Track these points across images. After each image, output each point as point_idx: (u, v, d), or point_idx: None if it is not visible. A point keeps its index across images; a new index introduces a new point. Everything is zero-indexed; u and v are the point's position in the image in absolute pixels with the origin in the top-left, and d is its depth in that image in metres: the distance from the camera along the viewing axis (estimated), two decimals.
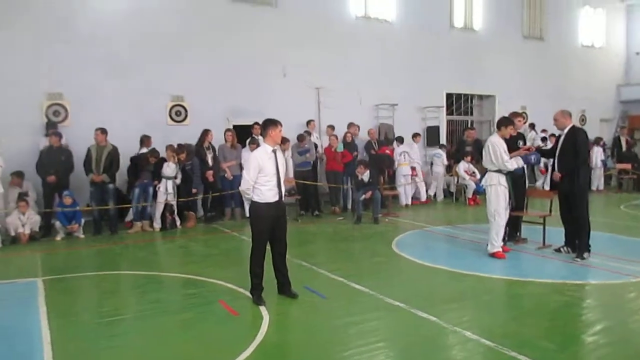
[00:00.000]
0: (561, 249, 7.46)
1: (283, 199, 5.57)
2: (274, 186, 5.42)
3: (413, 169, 13.05)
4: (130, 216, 10.08)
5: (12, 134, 9.99)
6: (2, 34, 10.13)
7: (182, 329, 4.86)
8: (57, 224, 9.21)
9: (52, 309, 5.36)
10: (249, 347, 4.26)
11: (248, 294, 5.58)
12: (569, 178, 7.11)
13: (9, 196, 9.41)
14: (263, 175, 5.38)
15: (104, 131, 9.45)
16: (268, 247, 5.58)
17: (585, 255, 7.05)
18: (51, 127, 10.17)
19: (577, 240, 7.18)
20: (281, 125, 5.57)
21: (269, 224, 5.44)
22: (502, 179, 7.22)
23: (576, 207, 7.11)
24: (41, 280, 6.49)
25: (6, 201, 9.35)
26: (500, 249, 7.28)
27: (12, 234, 8.86)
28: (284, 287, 5.66)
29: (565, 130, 7.22)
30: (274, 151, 5.49)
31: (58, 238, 9.15)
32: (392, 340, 4.50)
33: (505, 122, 7.39)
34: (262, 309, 5.23)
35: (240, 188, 5.56)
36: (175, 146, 10.19)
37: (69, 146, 9.96)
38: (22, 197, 9.26)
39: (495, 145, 7.19)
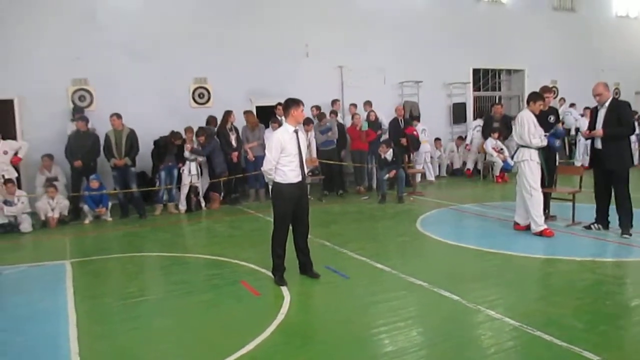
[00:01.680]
0: (592, 226, 7.24)
1: (305, 179, 5.52)
2: (296, 166, 5.37)
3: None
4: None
5: (40, 120, 10.19)
6: (28, 22, 10.27)
7: (205, 309, 4.89)
8: (85, 207, 9.38)
9: (79, 291, 5.47)
10: (270, 327, 4.26)
11: (270, 274, 5.58)
12: (615, 152, 6.80)
13: (36, 180, 9.61)
14: (285, 156, 5.32)
15: (119, 116, 9.52)
16: (290, 228, 5.56)
17: (632, 231, 6.81)
18: (77, 112, 10.31)
19: (622, 217, 6.87)
20: (303, 104, 5.51)
21: (291, 205, 5.40)
22: (534, 154, 7.04)
23: (620, 183, 6.82)
24: (69, 263, 6.62)
25: (33, 186, 9.55)
26: (546, 226, 7.06)
27: (42, 218, 9.05)
28: (306, 268, 5.64)
29: (607, 104, 6.84)
30: (296, 131, 5.42)
31: (86, 221, 9.32)
32: (414, 320, 4.43)
33: (534, 97, 7.21)
34: (284, 289, 5.22)
35: (262, 168, 5.52)
36: (195, 129, 10.20)
37: (95, 130, 10.07)
38: (51, 182, 9.46)
39: (524, 120, 7.03)
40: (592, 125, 7.06)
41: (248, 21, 12.07)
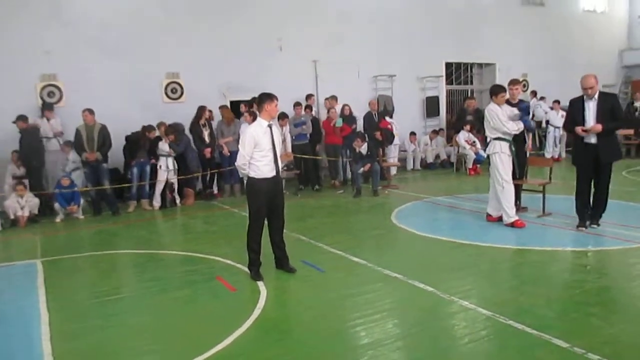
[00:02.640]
0: (586, 226, 6.94)
1: (280, 174, 5.51)
2: (270, 161, 5.36)
3: None
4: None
5: (8, 117, 9.93)
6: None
7: (180, 305, 4.86)
8: (56, 205, 9.21)
9: (51, 290, 5.38)
10: (246, 322, 4.27)
11: (246, 269, 5.58)
12: (610, 145, 6.66)
13: (5, 178, 9.40)
14: (259, 151, 5.31)
15: (91, 111, 9.32)
16: (266, 223, 5.56)
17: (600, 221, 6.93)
18: (47, 108, 10.11)
19: (599, 209, 6.88)
20: (277, 99, 5.49)
21: (266, 200, 5.39)
22: (505, 147, 7.17)
23: (608, 175, 6.73)
24: (40, 262, 6.50)
25: (2, 183, 9.35)
26: (517, 217, 7.19)
27: (11, 217, 8.85)
28: (282, 262, 5.65)
29: (596, 96, 6.69)
30: (270, 126, 5.41)
31: (58, 220, 9.15)
32: (390, 312, 4.48)
33: (495, 89, 7.38)
34: (260, 284, 5.23)
35: (236, 164, 5.51)
36: (167, 124, 10.11)
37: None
38: (20, 180, 9.26)
39: (492, 112, 7.17)
40: (579, 120, 6.71)
41: (221, 15, 11.95)
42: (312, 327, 4.25)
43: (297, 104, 11.51)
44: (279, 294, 5.11)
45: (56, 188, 9.30)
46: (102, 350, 3.99)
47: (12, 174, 9.47)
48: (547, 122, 14.91)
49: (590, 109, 6.70)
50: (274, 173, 5.40)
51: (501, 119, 7.11)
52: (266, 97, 5.42)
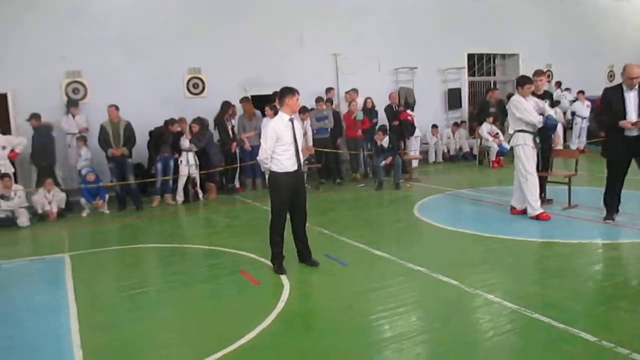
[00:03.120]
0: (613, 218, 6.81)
1: (302, 167, 5.52)
2: (292, 155, 5.37)
3: None
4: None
5: (34, 109, 10.10)
6: (21, 15, 10.17)
7: (204, 299, 4.92)
8: (82, 200, 9.37)
9: (79, 283, 5.48)
10: (270, 315, 4.29)
11: (269, 263, 5.61)
12: None
13: (32, 175, 9.58)
14: (281, 145, 5.32)
15: (117, 107, 9.47)
16: (288, 217, 5.58)
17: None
18: (72, 105, 10.27)
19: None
20: (298, 93, 5.49)
21: (288, 193, 5.41)
22: (529, 139, 7.06)
23: None
24: (68, 256, 6.62)
25: (30, 180, 9.54)
26: (542, 210, 7.10)
27: (39, 211, 9.04)
28: (305, 256, 5.66)
29: (637, 86, 6.38)
30: (291, 120, 5.42)
31: (84, 214, 9.32)
32: (413, 305, 4.47)
33: (522, 80, 7.19)
34: (283, 277, 5.25)
35: (258, 158, 5.53)
36: (189, 120, 10.21)
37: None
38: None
39: (517, 103, 7.05)
40: (619, 111, 6.36)
41: (242, 10, 11.98)
42: (336, 320, 4.26)
43: (319, 99, 11.49)
44: (302, 288, 5.13)
45: (81, 183, 9.45)
46: (129, 342, 4.06)
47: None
48: (573, 113, 14.64)
49: (631, 99, 6.37)
50: (295, 167, 5.41)
51: (528, 109, 7.00)
52: (287, 92, 5.42)
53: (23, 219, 8.74)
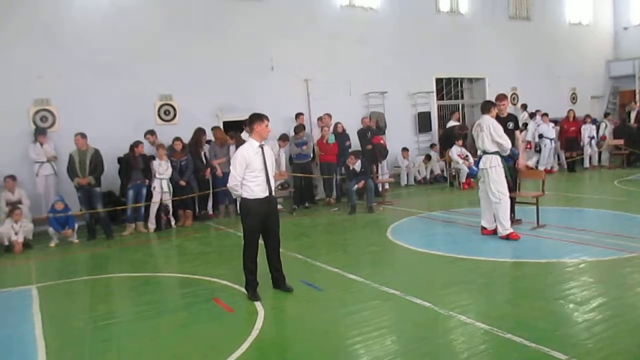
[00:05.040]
0: None
1: (273, 193, 5.52)
2: (262, 182, 5.38)
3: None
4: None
5: (1, 142, 9.94)
6: None
7: (177, 328, 4.84)
8: (50, 230, 9.16)
9: (47, 316, 5.34)
10: (244, 343, 4.25)
11: (243, 290, 5.56)
12: None
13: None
14: (250, 171, 5.33)
15: (84, 135, 9.35)
16: (262, 242, 5.56)
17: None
18: (40, 133, 10.11)
19: None
20: (267, 119, 5.52)
21: (259, 220, 5.40)
22: (500, 160, 7.23)
23: None
24: (35, 288, 6.45)
25: None
26: (512, 230, 7.26)
27: (5, 243, 8.80)
28: (279, 282, 5.64)
29: None
30: (261, 146, 5.43)
31: (52, 244, 9.10)
32: (388, 328, 4.48)
33: (488, 105, 7.49)
34: (258, 304, 5.21)
35: (228, 185, 5.52)
36: (166, 145, 10.17)
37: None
38: (15, 205, 9.23)
39: (489, 125, 7.23)
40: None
41: (212, 36, 12.06)
42: (311, 346, 4.24)
43: (299, 127, 11.60)
44: (276, 314, 5.10)
45: (50, 212, 9.26)
46: None
47: (7, 200, 9.41)
48: (540, 135, 15.04)
49: None
50: (266, 193, 5.40)
51: (499, 132, 7.18)
52: (256, 118, 5.45)
53: None
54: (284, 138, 10.91)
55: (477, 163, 7.65)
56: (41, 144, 10.07)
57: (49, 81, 10.49)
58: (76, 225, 9.41)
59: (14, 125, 10.16)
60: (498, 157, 7.25)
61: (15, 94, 10.21)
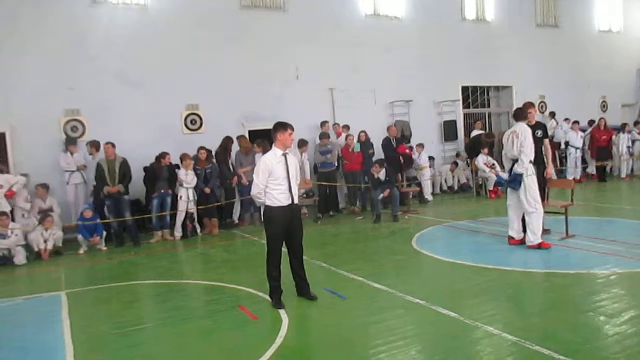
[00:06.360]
0: None
1: (296, 201, 5.53)
2: (285, 190, 5.39)
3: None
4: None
5: (32, 151, 10.21)
6: (19, 54, 10.33)
7: (202, 335, 4.86)
8: (79, 237, 9.34)
9: (75, 321, 5.43)
10: (268, 351, 4.24)
11: (268, 297, 5.57)
12: None
13: (31, 212, 9.57)
14: (273, 180, 5.35)
15: (113, 145, 9.56)
16: (285, 250, 5.57)
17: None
18: (70, 143, 10.35)
19: None
20: (292, 128, 5.53)
21: (282, 227, 5.41)
22: (533, 168, 7.14)
23: None
24: (64, 294, 6.57)
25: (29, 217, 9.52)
26: (542, 239, 7.14)
27: (35, 249, 8.99)
28: (303, 290, 5.63)
29: None
30: (285, 155, 5.45)
31: (81, 251, 9.27)
32: (413, 338, 4.43)
33: (524, 112, 7.40)
34: (282, 312, 5.21)
35: (251, 193, 5.56)
36: (191, 155, 10.30)
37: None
38: (46, 212, 9.44)
39: (526, 134, 7.11)
40: None
41: (238, 46, 12.20)
42: (335, 354, 4.22)
43: (323, 135, 11.64)
44: (300, 322, 5.09)
45: (79, 220, 9.44)
46: None
47: (39, 208, 9.64)
48: (567, 143, 14.80)
49: None
50: (289, 201, 5.41)
51: (530, 145, 7.08)
52: (280, 127, 5.48)
53: (20, 257, 8.71)
54: (301, 144, 10.94)
55: (508, 173, 7.50)
56: (71, 153, 10.30)
57: (79, 92, 10.75)
58: (104, 233, 9.57)
59: (45, 134, 10.43)
60: (531, 165, 7.13)
61: (47, 104, 10.48)
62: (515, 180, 7.15)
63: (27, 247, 9.02)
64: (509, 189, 7.47)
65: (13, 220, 9.25)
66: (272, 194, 5.37)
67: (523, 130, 7.18)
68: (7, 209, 9.09)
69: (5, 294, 6.92)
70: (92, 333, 5.14)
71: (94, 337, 5.02)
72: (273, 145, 5.56)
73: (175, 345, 4.70)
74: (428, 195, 13.06)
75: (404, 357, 4.04)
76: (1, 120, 10.18)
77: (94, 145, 10.14)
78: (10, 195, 9.24)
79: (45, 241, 9.05)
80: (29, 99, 10.33)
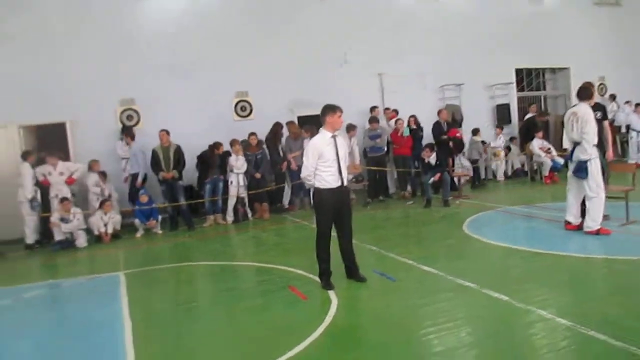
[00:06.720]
0: None
1: (345, 184, 5.53)
2: (335, 172, 5.40)
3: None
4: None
5: (91, 141, 10.61)
6: (78, 49, 10.75)
7: (253, 313, 4.98)
8: (136, 221, 9.69)
9: (133, 299, 5.66)
10: (318, 329, 4.30)
11: (317, 279, 5.62)
12: None
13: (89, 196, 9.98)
14: (323, 162, 5.37)
15: (167, 132, 9.83)
16: (335, 235, 5.59)
17: None
18: (126, 131, 10.70)
19: None
20: (341, 110, 5.53)
21: (332, 209, 5.43)
22: (597, 152, 6.84)
23: None
24: (123, 274, 6.85)
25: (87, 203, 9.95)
26: (602, 225, 6.87)
27: (96, 233, 9.40)
28: (352, 272, 5.65)
29: None
30: (334, 137, 5.46)
31: (138, 235, 9.63)
32: (463, 320, 4.38)
33: (588, 91, 7.03)
34: (331, 293, 5.25)
35: (301, 175, 5.60)
36: (240, 140, 10.47)
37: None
38: (107, 198, 9.84)
39: (589, 116, 6.77)
40: None
41: (286, 32, 12.27)
42: (384, 335, 4.22)
43: (373, 119, 11.59)
44: (350, 303, 5.11)
45: (135, 205, 9.79)
46: (180, 354, 4.16)
47: (97, 194, 10.03)
48: (628, 126, 14.14)
49: None
50: (339, 183, 5.42)
51: (593, 127, 6.78)
52: (329, 109, 5.48)
53: (81, 240, 9.12)
54: (350, 128, 10.94)
55: (569, 157, 7.20)
56: (127, 142, 10.63)
57: (133, 83, 11.06)
58: (159, 217, 9.89)
59: (102, 124, 10.82)
60: (595, 148, 6.85)
61: (103, 96, 10.86)
62: (581, 169, 6.83)
63: (88, 231, 9.44)
64: (569, 175, 7.19)
65: (87, 205, 9.64)
66: (321, 176, 5.39)
67: (584, 112, 6.84)
68: (69, 194, 9.49)
69: (68, 274, 7.32)
70: (149, 310, 5.36)
71: (151, 314, 5.23)
72: (322, 128, 5.57)
73: (228, 322, 4.85)
74: (501, 177, 13.41)
75: (453, 338, 4.00)
76: (62, 112, 10.61)
77: (129, 134, 10.41)
78: (71, 182, 9.65)
79: (105, 225, 9.44)
80: (86, 92, 10.71)
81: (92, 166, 10.02)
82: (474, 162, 12.88)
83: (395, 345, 3.97)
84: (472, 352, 3.78)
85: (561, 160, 11.67)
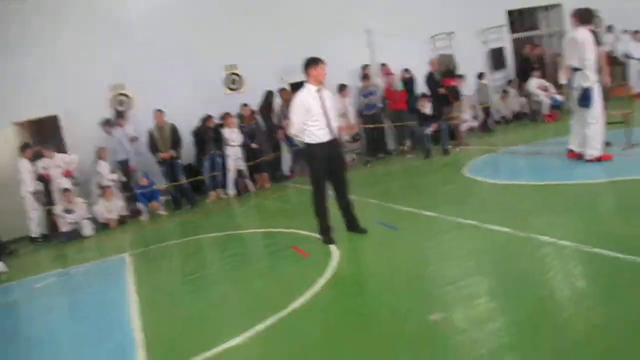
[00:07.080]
0: None
1: (336, 136, 5.43)
2: (323, 125, 5.29)
3: None
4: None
5: (85, 130, 10.53)
6: (69, 37, 10.62)
7: (260, 274, 5.02)
8: (139, 205, 9.69)
9: (139, 275, 5.69)
10: (320, 279, 4.29)
11: (319, 236, 5.57)
12: None
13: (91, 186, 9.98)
14: (311, 116, 5.27)
15: (161, 112, 9.73)
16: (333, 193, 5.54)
17: None
18: (119, 116, 10.62)
19: None
20: (323, 62, 5.41)
21: (324, 163, 5.35)
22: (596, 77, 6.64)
23: None
24: (128, 255, 6.85)
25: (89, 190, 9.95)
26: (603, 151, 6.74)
27: (101, 220, 9.41)
28: (352, 224, 5.60)
29: None
30: (318, 91, 5.34)
31: (142, 217, 9.63)
32: (467, 253, 4.36)
33: (588, 15, 6.86)
34: (333, 247, 5.22)
35: (290, 132, 5.52)
36: (233, 114, 10.37)
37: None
38: (108, 185, 9.81)
39: (586, 40, 6.54)
40: None
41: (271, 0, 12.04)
42: (389, 279, 4.20)
43: (365, 76, 11.40)
44: (352, 254, 5.11)
45: (136, 188, 9.77)
46: (188, 319, 4.19)
47: (98, 183, 9.99)
48: (626, 55, 13.81)
49: None
50: (329, 137, 5.32)
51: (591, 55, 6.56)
52: (311, 62, 5.36)
53: (87, 229, 9.14)
54: (341, 88, 10.77)
55: (568, 83, 6.99)
56: (122, 127, 10.55)
57: (122, 67, 10.85)
58: (161, 198, 9.88)
59: (95, 112, 10.66)
60: (593, 73, 6.64)
61: (92, 84, 10.67)
62: (586, 97, 6.64)
63: (94, 220, 9.45)
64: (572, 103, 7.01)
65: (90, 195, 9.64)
66: (310, 130, 5.30)
67: (584, 37, 6.61)
68: (68, 185, 9.47)
69: (76, 261, 7.37)
70: (155, 283, 5.41)
71: (157, 287, 5.28)
72: (306, 82, 5.45)
73: (234, 285, 4.87)
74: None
75: (458, 270, 3.99)
76: (55, 104, 10.52)
77: (107, 123, 10.27)
78: (67, 175, 9.60)
79: (109, 211, 9.44)
80: (76, 81, 10.56)
81: (101, 154, 9.91)
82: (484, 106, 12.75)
83: (401, 286, 3.95)
84: (478, 277, 3.77)
85: (560, 97, 11.46)
